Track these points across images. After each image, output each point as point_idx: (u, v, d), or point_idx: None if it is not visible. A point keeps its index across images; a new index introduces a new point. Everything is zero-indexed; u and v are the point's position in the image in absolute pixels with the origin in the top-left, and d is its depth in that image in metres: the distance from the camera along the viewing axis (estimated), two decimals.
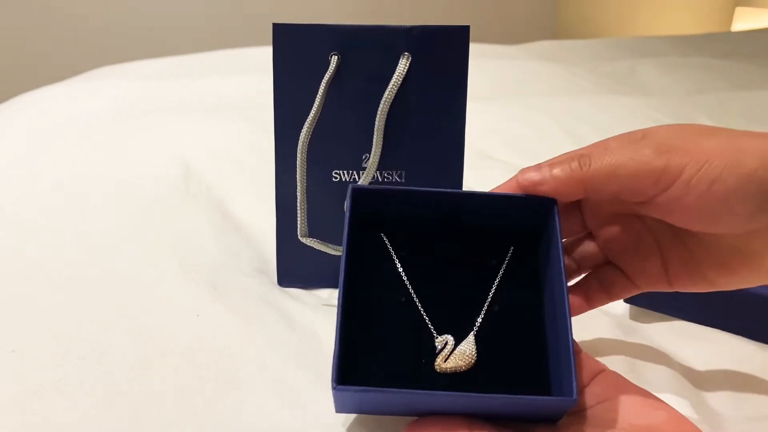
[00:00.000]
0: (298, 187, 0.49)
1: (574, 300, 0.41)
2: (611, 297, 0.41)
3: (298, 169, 0.48)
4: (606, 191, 0.36)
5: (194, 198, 0.65)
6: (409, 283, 0.40)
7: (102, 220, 0.59)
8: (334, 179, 0.51)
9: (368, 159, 0.50)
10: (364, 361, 0.37)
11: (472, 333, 0.38)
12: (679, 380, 0.43)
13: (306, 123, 0.47)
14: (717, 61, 1.22)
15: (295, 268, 0.53)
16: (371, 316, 0.39)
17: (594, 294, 0.41)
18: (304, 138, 0.48)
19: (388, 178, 0.51)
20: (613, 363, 0.45)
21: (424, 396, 0.33)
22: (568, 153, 0.38)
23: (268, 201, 0.61)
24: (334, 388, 0.32)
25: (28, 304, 0.47)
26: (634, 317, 0.52)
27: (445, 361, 0.37)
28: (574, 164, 0.36)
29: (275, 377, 0.42)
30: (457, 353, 0.37)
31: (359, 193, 0.39)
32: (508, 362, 0.38)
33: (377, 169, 0.50)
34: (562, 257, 0.37)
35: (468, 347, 0.37)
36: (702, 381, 0.45)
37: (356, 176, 0.51)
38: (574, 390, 0.33)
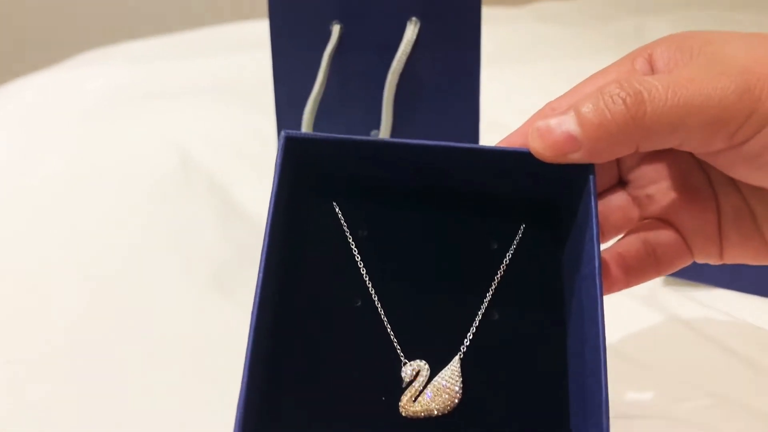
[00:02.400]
0: None
1: (608, 269, 0.29)
2: (659, 267, 0.30)
3: None
4: (665, 144, 0.26)
5: (194, 187, 0.61)
6: (369, 279, 0.28)
7: (98, 214, 0.57)
8: None
9: (378, 135, 0.47)
10: (290, 398, 0.26)
11: (457, 357, 0.27)
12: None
13: (309, 100, 0.44)
14: (732, 14, 1.17)
15: None
16: (308, 329, 0.27)
17: (636, 261, 0.30)
18: (308, 116, 0.44)
19: None
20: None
21: None
22: (601, 85, 0.26)
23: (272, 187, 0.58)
24: None
25: (24, 299, 0.46)
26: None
27: (414, 401, 0.26)
28: (619, 108, 0.24)
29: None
30: (432, 389, 0.26)
31: (297, 142, 0.27)
32: (509, 404, 0.27)
33: None
34: (598, 250, 0.26)
35: (449, 380, 0.26)
36: None
37: None
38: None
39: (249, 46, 0.98)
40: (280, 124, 0.46)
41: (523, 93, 0.81)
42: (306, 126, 0.44)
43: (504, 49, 0.98)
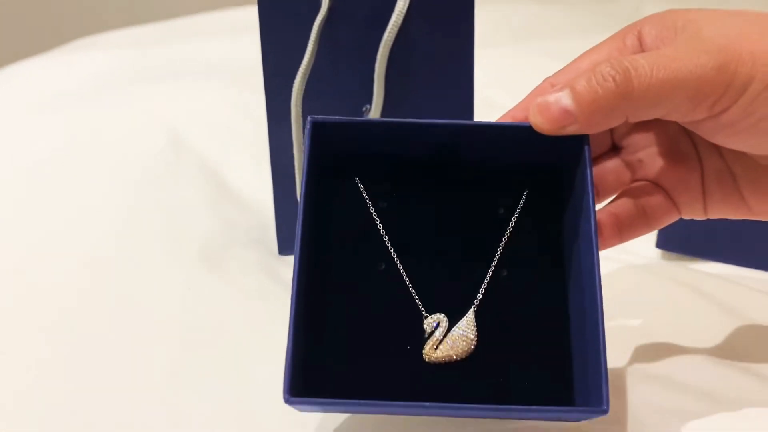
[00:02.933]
0: (294, 146, 0.45)
1: (603, 228, 0.32)
2: (649, 223, 0.33)
3: (293, 126, 0.44)
4: (651, 115, 0.29)
5: (186, 168, 0.61)
6: (391, 245, 0.32)
7: (87, 195, 0.56)
8: None
9: (369, 111, 0.46)
10: (327, 349, 0.30)
11: (471, 309, 0.31)
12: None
13: (298, 73, 0.43)
14: None
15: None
16: (341, 291, 0.31)
17: (628, 219, 0.33)
18: (297, 90, 0.43)
19: None
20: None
21: (403, 408, 0.27)
22: (593, 64, 0.29)
23: (265, 168, 0.57)
24: (286, 401, 0.26)
25: (13, 281, 0.45)
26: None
27: (436, 349, 0.30)
28: (609, 85, 0.27)
29: (276, 351, 0.38)
30: (451, 338, 0.30)
31: (322, 126, 0.30)
32: (518, 349, 0.30)
33: None
34: (593, 212, 0.29)
35: (465, 330, 0.30)
36: None
37: None
38: (605, 398, 0.26)
39: (241, 31, 0.97)
40: (269, 98, 0.45)
41: (518, 73, 0.80)
42: (295, 99, 0.43)
43: (499, 29, 0.97)
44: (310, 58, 0.43)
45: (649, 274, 0.46)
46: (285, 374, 0.26)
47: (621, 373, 0.37)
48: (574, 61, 0.33)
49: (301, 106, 0.44)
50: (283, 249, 0.50)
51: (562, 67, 0.33)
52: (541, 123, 0.29)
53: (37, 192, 0.57)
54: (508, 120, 0.32)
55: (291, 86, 0.43)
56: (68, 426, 0.34)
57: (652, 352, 0.38)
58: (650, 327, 0.40)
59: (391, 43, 0.43)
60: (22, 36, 1.77)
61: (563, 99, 0.28)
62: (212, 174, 0.60)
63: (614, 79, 0.27)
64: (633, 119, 0.29)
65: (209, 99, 0.75)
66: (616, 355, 0.38)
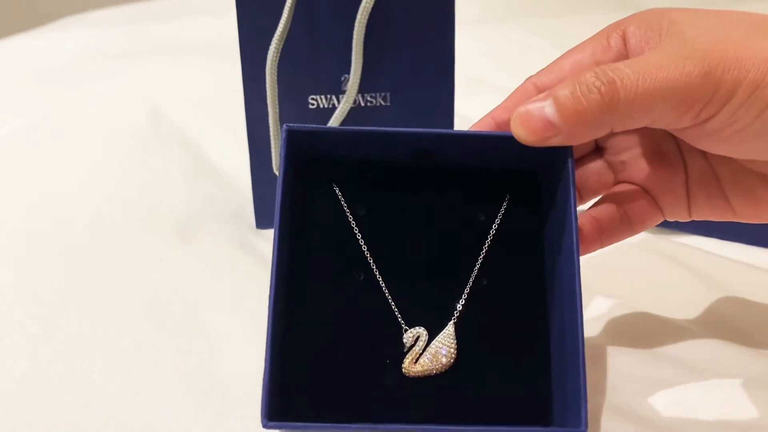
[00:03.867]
0: (270, 116, 0.44)
1: (583, 233, 0.32)
2: (632, 226, 0.33)
3: (268, 95, 0.43)
4: (636, 125, 0.28)
5: (164, 142, 0.60)
6: (370, 254, 0.31)
7: (65, 169, 0.56)
8: (311, 106, 0.46)
9: (348, 81, 0.44)
10: (308, 366, 0.30)
11: (451, 323, 0.30)
12: None
13: (273, 39, 0.42)
14: None
15: (273, 208, 0.48)
16: (318, 302, 0.31)
17: (610, 224, 0.33)
18: (272, 56, 0.42)
19: (371, 102, 0.46)
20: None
21: (382, 429, 0.28)
22: (578, 69, 0.30)
23: (245, 142, 0.57)
24: (264, 426, 0.26)
25: None
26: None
27: (415, 363, 0.30)
28: (594, 97, 0.27)
29: (248, 325, 0.38)
30: (431, 352, 0.30)
31: (298, 134, 0.30)
32: (497, 363, 0.30)
33: (358, 92, 0.45)
34: (575, 223, 0.29)
35: (445, 343, 0.30)
36: None
37: (335, 101, 0.46)
38: (583, 419, 0.26)
39: (222, 8, 0.96)
40: (245, 65, 0.44)
41: (505, 50, 0.80)
42: (270, 66, 0.42)
43: (486, 6, 0.96)
44: (285, 24, 0.42)
45: (631, 247, 0.45)
46: (262, 397, 0.26)
47: (600, 342, 0.36)
48: (558, 60, 0.32)
49: (276, 75, 0.42)
50: (261, 223, 0.49)
51: (545, 67, 0.32)
52: (523, 135, 0.28)
53: (15, 165, 0.56)
54: (489, 121, 0.32)
55: (267, 53, 0.42)
56: (32, 397, 0.33)
57: (632, 323, 0.38)
58: (632, 298, 0.40)
59: (369, 10, 0.42)
60: (3, 15, 1.75)
61: (546, 110, 0.27)
62: (192, 149, 0.60)
63: (599, 91, 0.26)
64: (618, 129, 0.28)
65: (190, 75, 0.75)
66: (595, 325, 0.38)
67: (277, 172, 0.44)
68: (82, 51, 0.87)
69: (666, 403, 0.33)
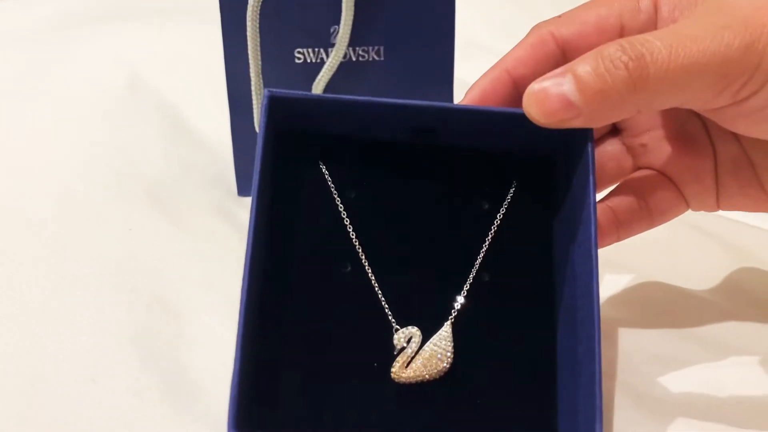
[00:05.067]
0: (252, 71, 0.41)
1: (598, 223, 0.28)
2: (652, 218, 0.30)
3: (249, 47, 0.40)
4: (666, 106, 0.25)
5: (141, 106, 0.58)
6: (358, 243, 0.28)
7: (36, 135, 0.53)
8: (297, 60, 0.42)
9: (337, 32, 0.41)
10: (285, 370, 0.26)
11: (448, 322, 0.27)
12: None
13: None
14: None
15: None
16: (297, 297, 0.27)
17: (627, 215, 0.30)
18: (254, 2, 0.38)
19: (363, 57, 0.42)
20: None
21: None
22: (600, 34, 0.27)
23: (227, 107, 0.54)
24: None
25: None
26: None
27: (406, 367, 0.26)
28: (621, 74, 0.24)
29: (224, 306, 0.35)
30: (424, 355, 0.26)
31: (282, 102, 0.27)
32: (498, 368, 0.27)
33: (349, 45, 0.41)
34: (593, 214, 0.26)
35: (440, 346, 0.27)
36: None
37: (324, 55, 0.42)
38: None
39: None
40: (225, 15, 0.41)
41: (503, 12, 0.76)
42: (251, 13, 0.38)
43: None
44: None
45: None
46: (230, 405, 0.23)
47: (613, 317, 0.34)
48: (579, 10, 0.29)
49: (257, 23, 0.39)
50: (242, 189, 0.46)
51: (562, 14, 0.29)
52: (538, 115, 0.25)
53: None
54: (504, 75, 0.29)
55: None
56: None
57: (648, 297, 0.36)
58: (649, 270, 0.37)
59: None
60: None
61: (565, 87, 0.24)
62: (170, 113, 0.57)
63: (626, 67, 0.24)
64: (645, 111, 0.25)
65: (170, 38, 0.72)
66: (608, 298, 0.36)
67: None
68: (61, 13, 0.84)
69: (685, 383, 0.31)
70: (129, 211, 0.42)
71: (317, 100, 0.27)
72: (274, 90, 0.26)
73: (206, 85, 0.60)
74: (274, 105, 0.26)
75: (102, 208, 0.42)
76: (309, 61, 0.42)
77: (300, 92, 0.26)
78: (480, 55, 0.66)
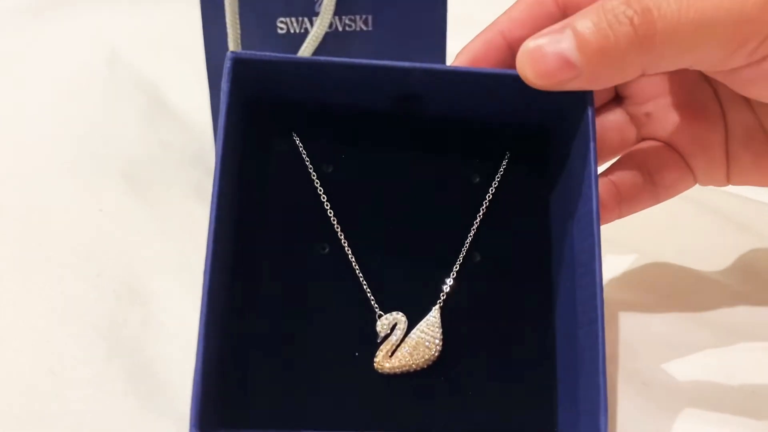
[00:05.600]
0: (230, 42, 0.39)
1: (599, 198, 0.27)
2: (657, 193, 0.29)
3: (227, 15, 0.38)
4: (674, 66, 0.23)
5: (119, 84, 0.56)
6: (336, 222, 0.26)
7: (10, 113, 0.52)
8: (279, 30, 0.40)
9: (322, 1, 0.39)
10: (256, 361, 0.24)
11: (436, 307, 0.25)
12: None
13: None
14: None
15: None
16: (272, 281, 0.25)
17: (631, 190, 0.28)
18: None
19: (350, 27, 0.41)
20: None
21: None
22: (600, 1, 0.24)
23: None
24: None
25: None
26: None
27: (391, 356, 0.25)
28: (625, 29, 0.22)
29: (196, 293, 0.32)
30: (410, 343, 0.25)
31: (247, 65, 0.24)
32: (490, 356, 0.25)
33: (335, 14, 0.40)
34: (595, 187, 0.24)
35: (428, 333, 0.25)
36: None
37: (308, 25, 0.41)
38: (602, 429, 0.21)
39: None
40: None
41: None
42: None
43: None
44: None
45: None
46: (192, 402, 0.21)
47: (616, 299, 0.32)
48: None
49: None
50: None
51: None
52: (532, 76, 0.23)
53: None
54: (497, 38, 0.27)
55: None
56: None
57: (653, 278, 0.34)
58: (654, 249, 0.36)
59: None
60: None
61: (563, 45, 0.23)
62: (150, 91, 0.56)
63: (631, 22, 0.22)
64: (651, 71, 0.23)
65: (151, 15, 0.70)
66: (611, 279, 0.34)
67: None
68: None
69: (694, 370, 0.30)
70: (101, 191, 0.40)
71: (288, 62, 0.24)
72: (240, 52, 0.24)
73: (186, 62, 0.59)
74: (239, 68, 0.24)
75: (72, 188, 0.41)
76: (292, 31, 0.40)
77: (269, 53, 0.24)
78: (475, 31, 0.65)
